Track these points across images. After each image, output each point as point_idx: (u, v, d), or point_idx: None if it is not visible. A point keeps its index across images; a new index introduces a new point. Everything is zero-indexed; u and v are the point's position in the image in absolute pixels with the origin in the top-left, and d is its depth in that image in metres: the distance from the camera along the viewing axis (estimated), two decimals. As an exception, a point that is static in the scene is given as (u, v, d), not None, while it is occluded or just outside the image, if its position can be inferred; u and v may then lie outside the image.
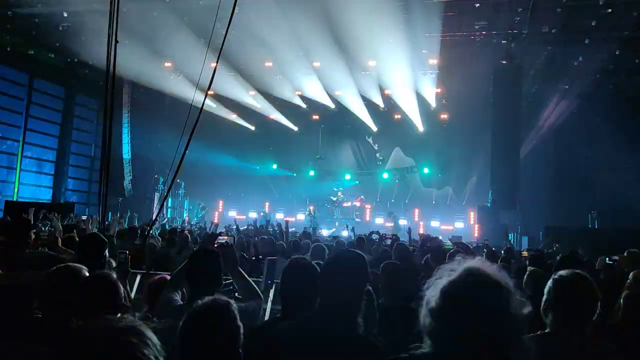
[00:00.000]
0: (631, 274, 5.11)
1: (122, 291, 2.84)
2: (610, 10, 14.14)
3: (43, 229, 6.47)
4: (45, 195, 20.59)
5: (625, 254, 7.05)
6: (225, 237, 4.69)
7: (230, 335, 2.12)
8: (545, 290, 2.62)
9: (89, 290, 2.69)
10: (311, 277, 2.81)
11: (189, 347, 2.06)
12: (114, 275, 2.89)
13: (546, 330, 2.54)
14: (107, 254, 3.96)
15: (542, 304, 2.59)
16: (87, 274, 2.88)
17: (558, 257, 6.36)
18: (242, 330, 2.17)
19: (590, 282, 2.51)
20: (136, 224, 12.33)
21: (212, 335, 2.09)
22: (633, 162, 16.23)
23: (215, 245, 3.93)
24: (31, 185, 20.14)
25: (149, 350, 1.24)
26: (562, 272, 2.60)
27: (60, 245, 5.34)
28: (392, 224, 19.66)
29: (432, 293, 1.80)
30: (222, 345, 2.10)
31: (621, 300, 3.99)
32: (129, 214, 14.88)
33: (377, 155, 24.51)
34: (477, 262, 1.83)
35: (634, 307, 3.98)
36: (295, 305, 2.82)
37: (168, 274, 3.90)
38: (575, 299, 2.49)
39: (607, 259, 7.21)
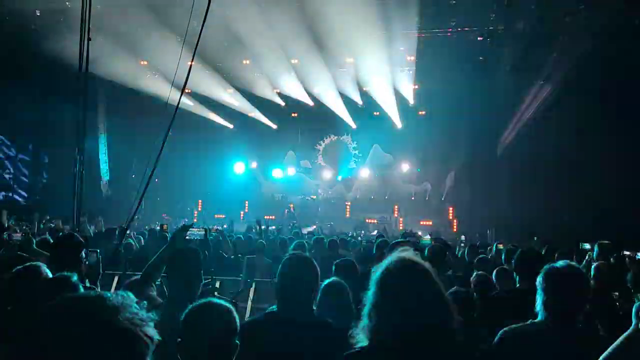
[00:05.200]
0: (594, 265, 5.27)
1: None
2: (583, 6, 14.36)
3: (17, 230, 6.34)
4: (20, 196, 20.20)
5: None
6: (196, 229, 4.64)
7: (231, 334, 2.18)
8: (538, 282, 2.61)
9: (48, 292, 2.62)
10: (311, 271, 2.81)
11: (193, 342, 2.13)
12: (75, 277, 2.81)
13: (538, 319, 2.54)
14: (84, 255, 3.87)
15: (537, 295, 2.58)
16: (49, 274, 2.83)
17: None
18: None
19: (582, 272, 2.54)
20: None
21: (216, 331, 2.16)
22: (605, 156, 16.45)
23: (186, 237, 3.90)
24: (4, 184, 19.73)
25: None
26: (554, 264, 2.60)
27: (34, 247, 5.25)
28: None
29: (370, 285, 1.95)
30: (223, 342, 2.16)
31: None
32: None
33: (356, 152, 24.57)
34: (405, 252, 1.98)
35: None
36: (292, 300, 2.77)
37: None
38: (569, 291, 2.49)
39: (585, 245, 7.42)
